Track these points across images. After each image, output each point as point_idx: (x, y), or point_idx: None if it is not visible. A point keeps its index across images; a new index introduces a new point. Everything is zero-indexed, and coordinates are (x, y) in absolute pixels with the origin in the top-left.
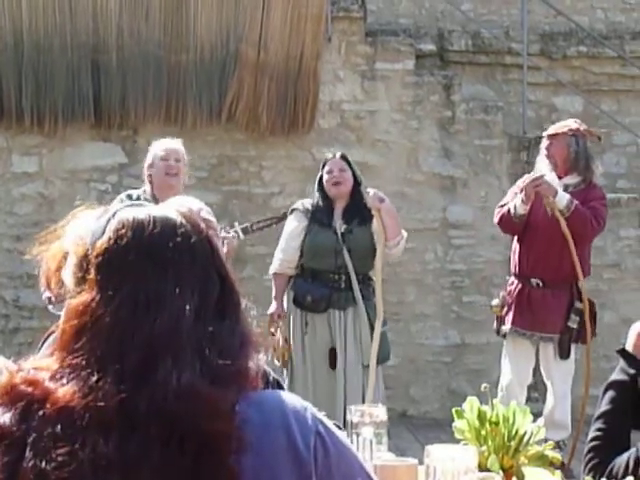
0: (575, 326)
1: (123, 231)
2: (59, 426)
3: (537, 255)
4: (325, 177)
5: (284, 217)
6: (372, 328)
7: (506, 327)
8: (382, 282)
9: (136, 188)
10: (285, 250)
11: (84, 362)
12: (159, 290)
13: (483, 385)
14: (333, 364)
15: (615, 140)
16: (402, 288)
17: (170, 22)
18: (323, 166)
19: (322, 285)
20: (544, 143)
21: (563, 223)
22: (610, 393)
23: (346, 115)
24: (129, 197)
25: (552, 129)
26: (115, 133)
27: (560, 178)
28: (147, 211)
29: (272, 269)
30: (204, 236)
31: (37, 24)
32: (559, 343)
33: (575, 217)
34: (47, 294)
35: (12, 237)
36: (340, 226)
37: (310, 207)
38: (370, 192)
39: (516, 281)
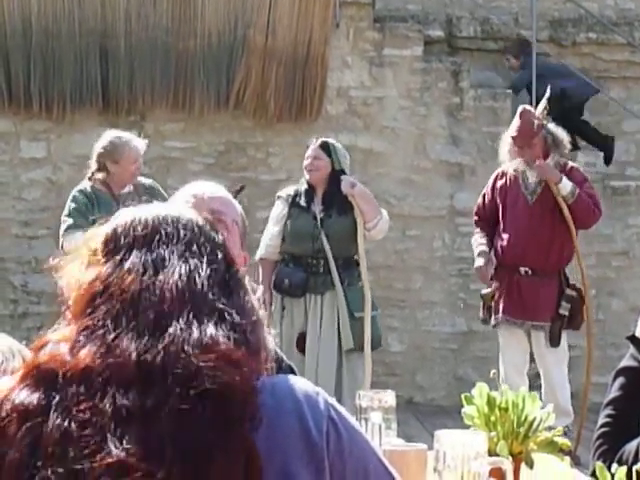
0: (566, 313)
1: (129, 217)
2: (81, 385)
3: (524, 244)
4: (304, 163)
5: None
6: (351, 313)
7: (498, 317)
8: (388, 269)
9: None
10: (268, 235)
11: (100, 322)
12: (166, 255)
13: (492, 371)
14: (302, 348)
15: (624, 127)
16: (409, 275)
17: (178, 8)
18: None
19: (301, 270)
20: (514, 149)
21: (566, 210)
22: (620, 380)
23: (354, 101)
24: (82, 192)
25: (520, 135)
26: (123, 119)
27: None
28: (150, 206)
29: (258, 254)
30: (209, 224)
31: (46, 10)
32: (550, 331)
33: (579, 204)
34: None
35: (20, 222)
36: (319, 211)
37: (292, 193)
38: (342, 178)
39: (504, 270)
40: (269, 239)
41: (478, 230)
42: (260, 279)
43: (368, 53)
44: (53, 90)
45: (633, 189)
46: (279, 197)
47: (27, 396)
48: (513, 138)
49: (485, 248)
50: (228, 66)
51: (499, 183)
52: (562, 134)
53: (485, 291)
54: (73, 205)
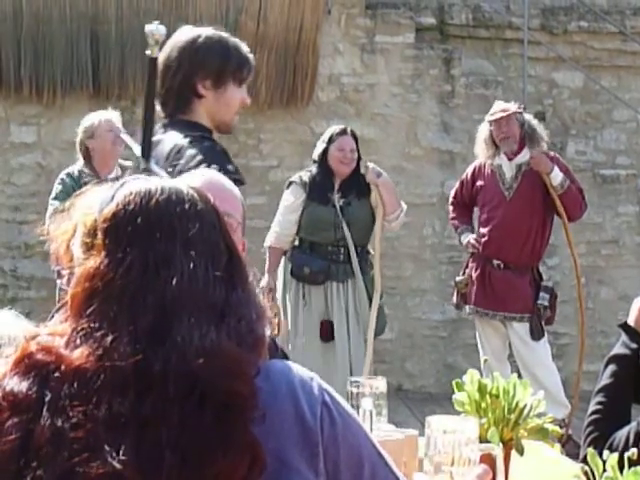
0: (546, 304)
1: (131, 197)
2: (75, 385)
3: (500, 240)
4: (336, 153)
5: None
6: (370, 301)
7: (470, 307)
8: (380, 256)
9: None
10: (282, 224)
11: (97, 325)
12: (168, 253)
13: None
14: (326, 336)
15: (615, 116)
16: (400, 263)
17: None
18: (330, 139)
19: (320, 257)
20: (494, 126)
21: (558, 201)
22: (611, 367)
23: (345, 88)
24: (69, 175)
25: (501, 111)
26: (114, 104)
27: (510, 160)
28: (155, 181)
29: (267, 242)
30: (211, 206)
31: None
32: (530, 324)
33: (568, 196)
34: (57, 268)
35: (10, 207)
36: (338, 199)
37: (308, 180)
38: (369, 166)
39: (477, 260)
40: (284, 228)
41: (456, 214)
42: (267, 266)
43: (360, 40)
44: (44, 75)
45: (623, 177)
46: (292, 183)
47: (17, 384)
48: (497, 121)
49: (467, 226)
50: None
51: (478, 179)
52: (539, 128)
53: (459, 278)
54: (60, 188)
